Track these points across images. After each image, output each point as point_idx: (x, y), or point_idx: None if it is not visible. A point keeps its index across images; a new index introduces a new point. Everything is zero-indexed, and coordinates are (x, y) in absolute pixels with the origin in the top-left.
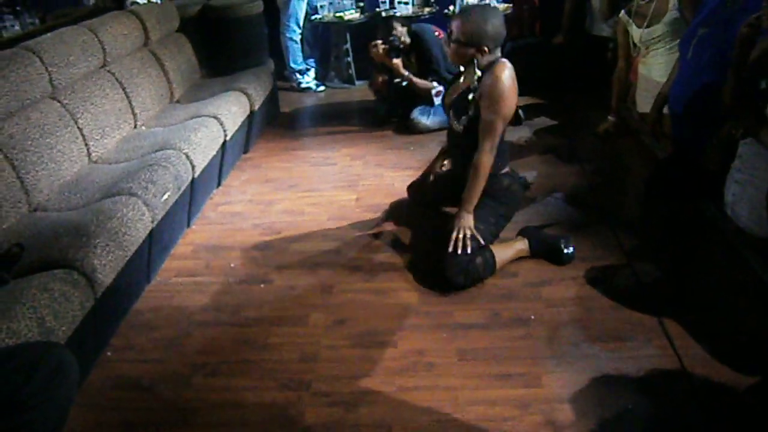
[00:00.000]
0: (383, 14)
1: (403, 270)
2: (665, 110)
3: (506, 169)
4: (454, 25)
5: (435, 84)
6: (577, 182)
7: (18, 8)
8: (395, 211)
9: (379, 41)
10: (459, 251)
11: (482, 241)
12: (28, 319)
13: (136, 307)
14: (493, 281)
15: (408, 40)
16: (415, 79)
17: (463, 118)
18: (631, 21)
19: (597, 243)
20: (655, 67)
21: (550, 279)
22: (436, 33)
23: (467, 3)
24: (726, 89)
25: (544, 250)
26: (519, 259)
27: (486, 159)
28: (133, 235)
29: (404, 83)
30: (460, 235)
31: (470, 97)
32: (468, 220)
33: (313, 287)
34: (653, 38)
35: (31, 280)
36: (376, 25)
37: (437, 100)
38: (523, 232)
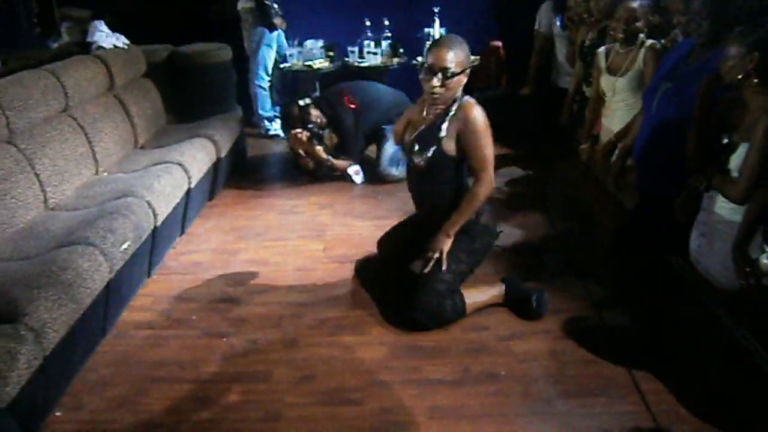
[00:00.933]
0: (300, 103)
1: (371, 324)
2: (629, 162)
3: (487, 208)
4: (448, 59)
5: (352, 164)
6: (547, 232)
7: None
8: (363, 264)
9: (299, 130)
10: (428, 282)
11: (452, 280)
12: None
13: (90, 363)
14: (463, 335)
15: (324, 120)
16: (336, 162)
17: (430, 150)
18: (604, 67)
19: (567, 295)
20: (615, 119)
21: (521, 332)
22: (352, 106)
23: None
24: (689, 144)
25: (515, 300)
26: (490, 307)
27: (485, 189)
28: (89, 287)
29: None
30: (435, 255)
31: (441, 133)
32: (445, 244)
33: (277, 341)
34: (618, 89)
35: None
36: (292, 114)
37: (357, 179)
38: (504, 280)
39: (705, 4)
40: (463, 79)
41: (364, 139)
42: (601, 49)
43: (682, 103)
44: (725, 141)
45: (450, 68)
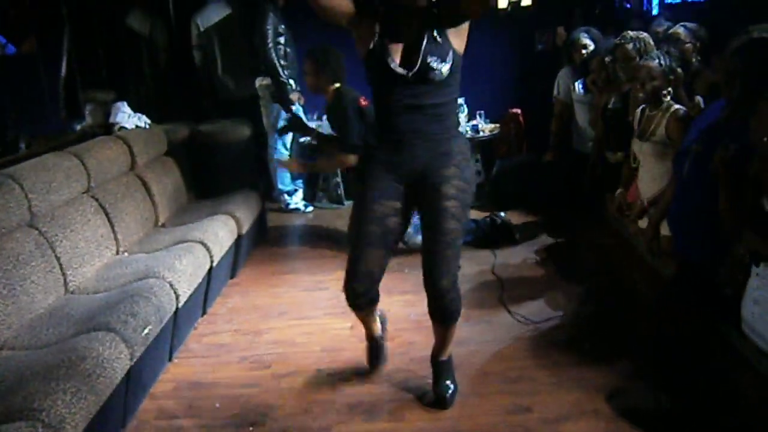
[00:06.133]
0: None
1: (406, 407)
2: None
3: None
4: None
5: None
6: (584, 304)
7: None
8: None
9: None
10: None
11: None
12: None
13: None
14: (505, 417)
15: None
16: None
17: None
18: (637, 130)
19: (612, 370)
20: (644, 185)
21: (569, 414)
22: (363, 103)
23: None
24: (724, 211)
25: None
26: (529, 383)
27: None
28: (109, 377)
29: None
30: None
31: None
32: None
33: (308, 430)
34: (644, 153)
35: None
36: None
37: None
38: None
39: (740, 62)
40: None
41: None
42: (639, 109)
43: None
44: (767, 209)
45: None
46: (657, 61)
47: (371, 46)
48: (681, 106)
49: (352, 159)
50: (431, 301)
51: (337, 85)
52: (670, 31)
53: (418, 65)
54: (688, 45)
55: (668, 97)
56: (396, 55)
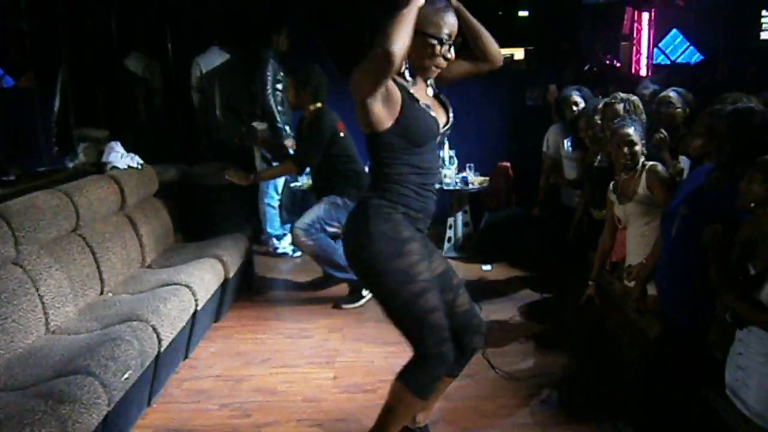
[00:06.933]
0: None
1: None
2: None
3: None
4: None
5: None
6: (568, 363)
7: None
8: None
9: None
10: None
11: None
12: None
13: None
14: None
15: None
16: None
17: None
18: (615, 195)
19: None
20: (632, 245)
21: None
22: (341, 133)
23: None
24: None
25: None
26: None
27: None
28: (86, 422)
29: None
30: None
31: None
32: None
33: None
34: (629, 214)
35: None
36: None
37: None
38: None
39: (730, 129)
40: None
41: (321, 156)
42: (611, 185)
43: (700, 231)
44: (752, 272)
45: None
46: (632, 127)
47: (402, 103)
48: (656, 162)
49: (296, 170)
50: (461, 357)
51: (319, 105)
52: (662, 94)
53: (451, 118)
54: (678, 110)
55: (642, 158)
56: (431, 109)
